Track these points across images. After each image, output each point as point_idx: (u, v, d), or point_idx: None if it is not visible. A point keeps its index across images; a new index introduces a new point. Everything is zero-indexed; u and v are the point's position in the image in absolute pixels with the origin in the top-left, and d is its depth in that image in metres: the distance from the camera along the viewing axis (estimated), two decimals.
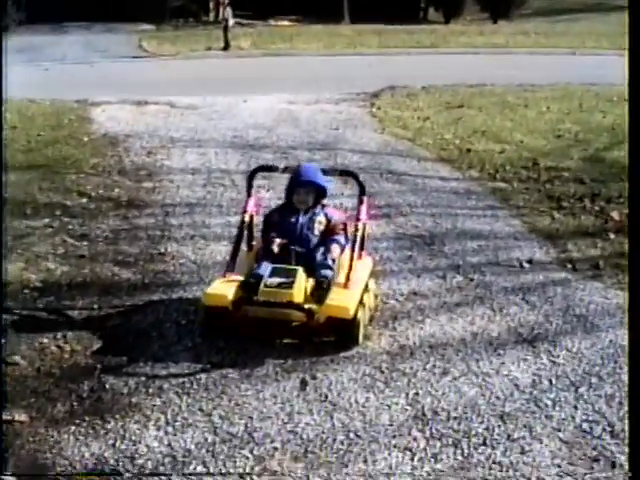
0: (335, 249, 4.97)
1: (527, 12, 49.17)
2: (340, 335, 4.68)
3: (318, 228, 5.09)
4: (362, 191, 5.22)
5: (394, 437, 3.78)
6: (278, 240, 4.95)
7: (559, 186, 8.48)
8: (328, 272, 4.78)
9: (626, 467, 3.53)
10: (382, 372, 4.40)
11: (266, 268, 4.75)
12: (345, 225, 5.16)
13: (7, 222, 6.92)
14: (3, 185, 7.44)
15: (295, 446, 3.71)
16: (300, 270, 4.70)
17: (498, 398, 4.14)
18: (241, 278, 4.81)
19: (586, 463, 3.58)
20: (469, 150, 10.25)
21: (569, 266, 6.10)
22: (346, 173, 5.79)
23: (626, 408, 3.99)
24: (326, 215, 5.15)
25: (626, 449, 3.65)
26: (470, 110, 13.58)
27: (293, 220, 5.07)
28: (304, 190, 5.10)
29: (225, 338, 4.72)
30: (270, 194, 7.48)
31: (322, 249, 4.97)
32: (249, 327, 4.74)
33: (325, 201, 5.24)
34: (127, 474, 3.50)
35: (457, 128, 11.85)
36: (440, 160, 9.85)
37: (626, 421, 3.87)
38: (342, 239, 5.07)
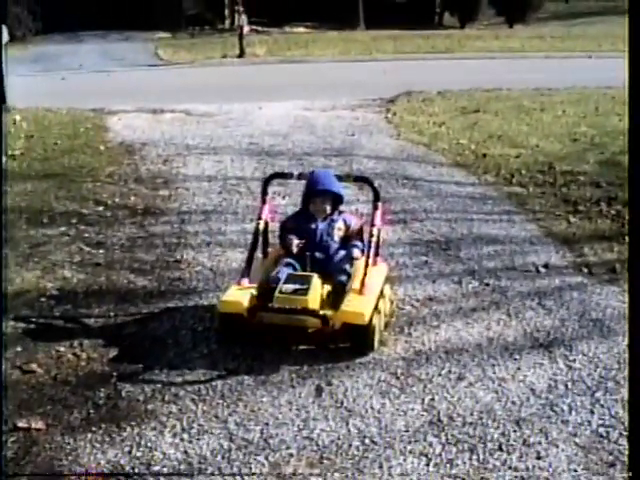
0: (357, 253, 4.99)
1: (543, 16, 49.09)
2: (355, 341, 4.67)
3: (338, 234, 5.11)
4: (377, 197, 5.22)
5: (410, 443, 3.77)
6: (296, 241, 4.97)
7: (575, 190, 8.44)
8: (343, 277, 4.80)
9: None
10: (398, 378, 4.39)
11: (282, 274, 4.77)
12: (361, 229, 5.17)
13: (24, 230, 6.97)
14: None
15: (311, 452, 3.71)
16: (315, 276, 4.70)
17: (514, 403, 4.12)
18: (256, 285, 4.82)
19: (602, 468, 3.56)
20: (485, 155, 10.21)
21: (585, 270, 6.07)
22: (361, 179, 5.79)
23: None
24: (345, 221, 5.16)
25: None
26: (486, 115, 13.56)
27: (312, 227, 5.08)
28: (320, 199, 5.11)
29: (241, 345, 4.72)
30: (286, 201, 7.49)
31: (341, 255, 4.99)
32: (265, 334, 4.74)
33: (341, 207, 5.25)
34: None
35: (473, 133, 11.83)
36: (456, 165, 9.83)
37: None
38: (361, 244, 5.08)
